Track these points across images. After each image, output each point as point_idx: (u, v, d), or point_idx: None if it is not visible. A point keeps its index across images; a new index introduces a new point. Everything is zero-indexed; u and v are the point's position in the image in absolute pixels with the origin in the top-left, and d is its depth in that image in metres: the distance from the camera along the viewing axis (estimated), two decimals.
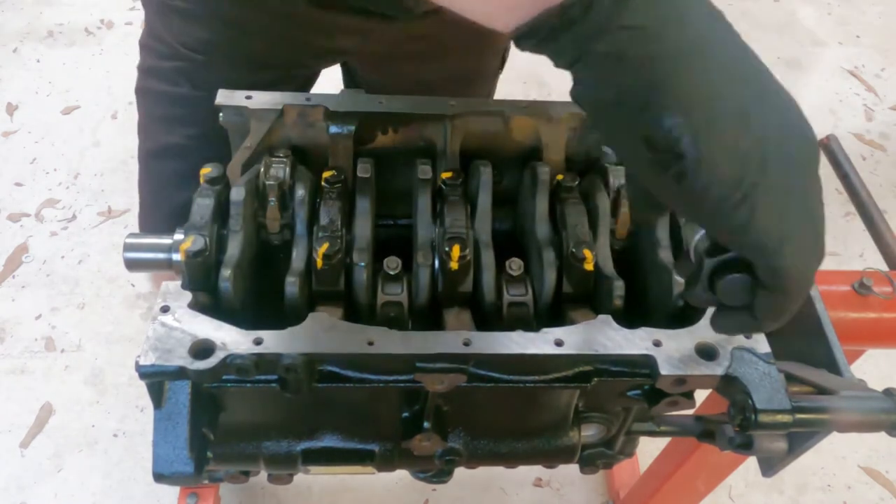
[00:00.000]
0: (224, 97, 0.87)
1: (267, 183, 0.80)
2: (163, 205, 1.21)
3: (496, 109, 0.91)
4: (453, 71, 1.26)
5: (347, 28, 1.11)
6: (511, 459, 0.85)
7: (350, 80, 1.34)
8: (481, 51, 1.29)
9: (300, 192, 0.81)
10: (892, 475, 2.03)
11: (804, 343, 0.81)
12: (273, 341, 0.68)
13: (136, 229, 1.28)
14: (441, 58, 1.23)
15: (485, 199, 0.85)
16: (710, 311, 0.73)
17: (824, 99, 3.06)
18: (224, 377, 0.68)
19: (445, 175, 0.87)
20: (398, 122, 0.90)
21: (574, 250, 0.79)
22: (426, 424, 0.76)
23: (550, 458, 0.85)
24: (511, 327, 0.72)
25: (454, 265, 0.78)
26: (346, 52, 1.21)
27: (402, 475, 0.86)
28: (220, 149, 0.93)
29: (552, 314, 0.81)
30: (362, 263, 0.77)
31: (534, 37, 0.49)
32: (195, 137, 1.13)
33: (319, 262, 0.77)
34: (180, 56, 1.12)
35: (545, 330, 0.71)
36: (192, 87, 1.12)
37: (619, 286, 0.77)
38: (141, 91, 1.21)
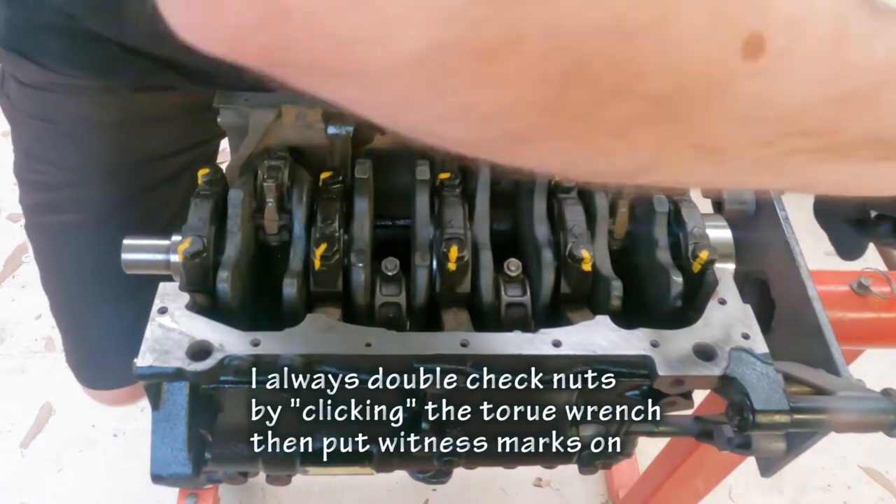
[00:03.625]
0: (222, 98, 0.87)
1: (265, 184, 0.80)
2: (99, 333, 1.14)
3: None
4: None
5: None
6: (510, 460, 0.85)
7: None
8: None
9: (298, 193, 0.81)
10: (892, 475, 2.03)
11: (802, 343, 0.81)
12: (271, 342, 0.68)
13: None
14: None
15: (483, 200, 0.85)
16: (708, 311, 0.73)
17: None
18: (222, 378, 0.69)
19: (444, 176, 0.86)
20: None
21: (572, 250, 0.79)
22: (424, 425, 0.76)
23: (549, 458, 0.85)
24: (509, 328, 0.72)
25: (452, 266, 0.78)
26: None
27: (401, 475, 0.86)
28: None
29: (550, 315, 0.81)
30: (360, 264, 0.77)
31: None
32: (105, 261, 1.01)
33: (317, 263, 0.77)
34: (73, 182, 1.02)
35: (543, 330, 0.71)
36: (92, 210, 1.04)
37: (616, 286, 0.77)
38: (35, 228, 1.10)
